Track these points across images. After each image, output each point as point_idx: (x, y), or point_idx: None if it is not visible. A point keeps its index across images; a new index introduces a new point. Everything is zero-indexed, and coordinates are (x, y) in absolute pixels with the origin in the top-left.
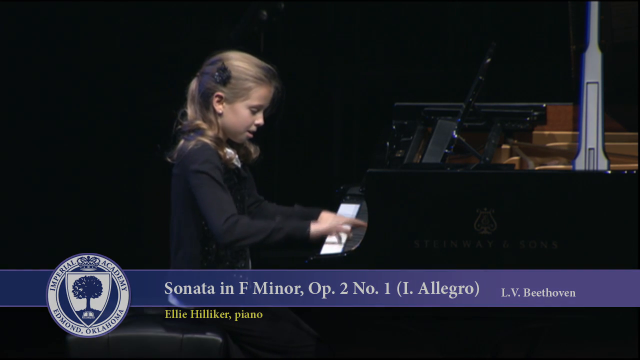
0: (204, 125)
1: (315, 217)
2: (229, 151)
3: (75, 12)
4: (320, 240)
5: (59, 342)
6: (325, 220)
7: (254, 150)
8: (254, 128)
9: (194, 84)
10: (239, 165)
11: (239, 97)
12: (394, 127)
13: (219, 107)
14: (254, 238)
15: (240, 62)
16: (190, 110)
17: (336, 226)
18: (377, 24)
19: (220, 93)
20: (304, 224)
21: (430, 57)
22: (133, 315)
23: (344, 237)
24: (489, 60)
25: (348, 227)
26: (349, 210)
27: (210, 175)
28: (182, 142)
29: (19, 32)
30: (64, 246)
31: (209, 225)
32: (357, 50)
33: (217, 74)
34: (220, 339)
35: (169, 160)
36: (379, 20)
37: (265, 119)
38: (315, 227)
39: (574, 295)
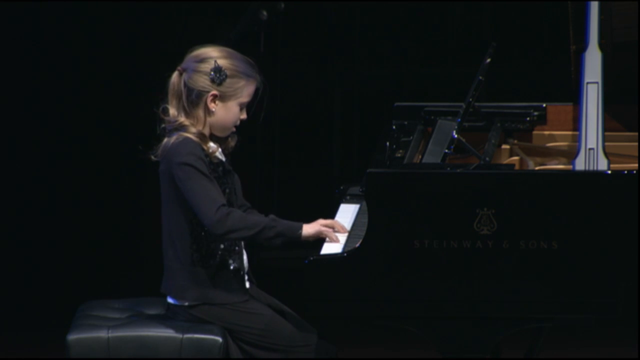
0: (187, 122)
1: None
2: (212, 145)
3: (76, 12)
4: (314, 241)
5: (59, 342)
6: (316, 224)
7: (231, 139)
8: (238, 123)
9: (175, 79)
10: (223, 159)
11: (233, 96)
12: (394, 127)
13: (212, 106)
14: (246, 232)
15: (229, 60)
16: (172, 106)
17: (327, 232)
18: (377, 24)
19: (215, 92)
20: (297, 224)
21: (430, 57)
22: (133, 315)
23: (342, 238)
24: (489, 60)
25: (339, 237)
26: (349, 210)
27: (195, 167)
28: (165, 139)
29: (19, 32)
30: (64, 246)
31: (200, 217)
32: (357, 50)
33: (213, 74)
34: (220, 339)
35: (153, 158)
36: (379, 20)
37: (248, 113)
38: (306, 230)
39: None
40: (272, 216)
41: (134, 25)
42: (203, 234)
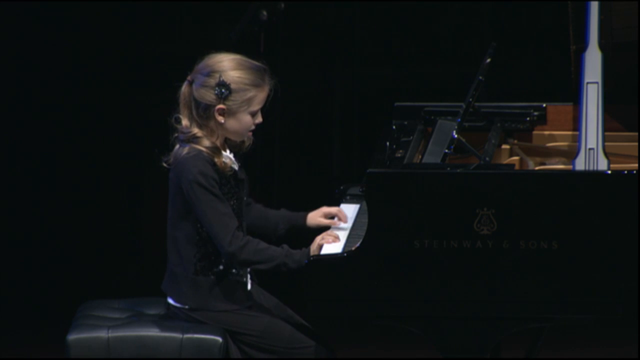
0: (200, 134)
1: (301, 221)
2: (226, 155)
3: (75, 12)
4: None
5: (59, 342)
6: (314, 242)
7: (246, 139)
8: (253, 127)
9: (185, 89)
10: (237, 168)
11: (241, 108)
12: (394, 127)
13: (220, 119)
14: (257, 266)
15: (236, 72)
16: (184, 116)
17: (322, 237)
18: (377, 24)
19: (222, 106)
20: (305, 255)
21: (429, 57)
22: (133, 315)
23: (343, 238)
24: (489, 60)
25: (340, 233)
26: (349, 210)
27: (206, 188)
28: (177, 146)
29: (18, 32)
30: (64, 246)
31: (215, 243)
32: (357, 50)
33: (217, 89)
34: (220, 339)
35: (165, 165)
36: (379, 20)
37: (262, 115)
38: (312, 253)
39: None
40: (285, 247)
41: (133, 26)
42: (208, 243)
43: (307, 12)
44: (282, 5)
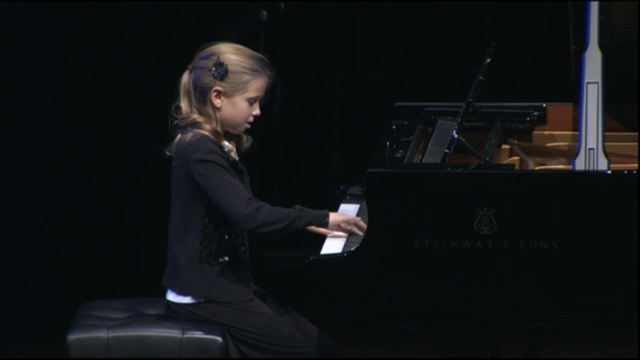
0: (200, 119)
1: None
2: (227, 144)
3: (76, 12)
4: (314, 240)
5: (59, 342)
6: (338, 215)
7: (245, 140)
8: (251, 119)
9: (185, 78)
10: (237, 159)
11: (237, 91)
12: (394, 127)
13: (217, 102)
14: (276, 225)
15: (234, 55)
16: (184, 105)
17: (354, 218)
18: (377, 24)
19: (218, 88)
20: (324, 213)
21: (430, 57)
22: (133, 315)
23: (342, 236)
24: (489, 60)
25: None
26: (349, 210)
27: (217, 163)
28: (179, 135)
29: (19, 32)
30: (64, 246)
31: (228, 214)
32: (357, 50)
33: (214, 69)
34: (220, 339)
35: (167, 153)
36: (379, 20)
37: (260, 109)
38: (334, 217)
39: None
40: (298, 206)
41: (134, 25)
42: (214, 231)
43: (307, 12)
44: (282, 5)
